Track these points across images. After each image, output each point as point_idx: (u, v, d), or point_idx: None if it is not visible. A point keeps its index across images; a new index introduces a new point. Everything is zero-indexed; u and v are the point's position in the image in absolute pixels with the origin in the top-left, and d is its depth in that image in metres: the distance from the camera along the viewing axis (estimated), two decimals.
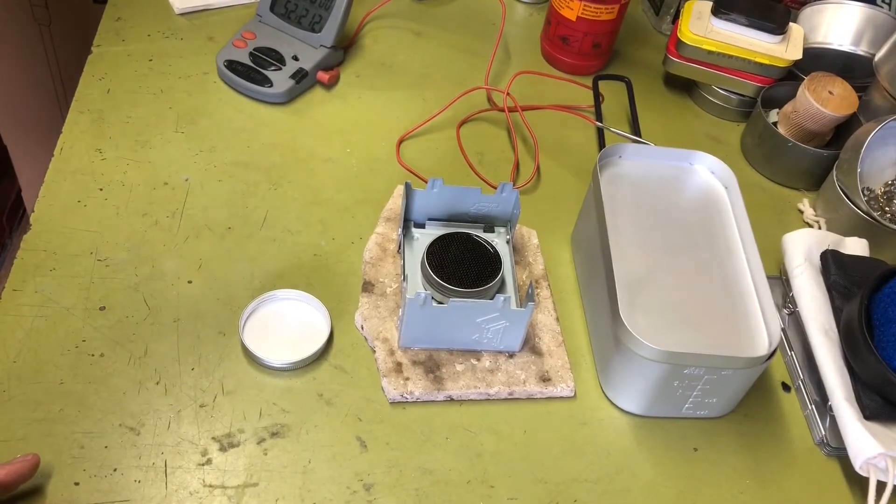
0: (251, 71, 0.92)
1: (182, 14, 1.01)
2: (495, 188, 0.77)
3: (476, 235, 0.73)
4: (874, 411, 0.69)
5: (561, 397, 0.72)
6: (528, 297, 0.69)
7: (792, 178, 0.95)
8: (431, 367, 0.70)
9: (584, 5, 0.96)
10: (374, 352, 0.71)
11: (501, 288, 0.74)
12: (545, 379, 0.71)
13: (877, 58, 0.93)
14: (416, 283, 0.73)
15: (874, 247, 0.82)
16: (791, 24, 0.98)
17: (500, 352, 0.72)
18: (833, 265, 0.78)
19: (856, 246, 0.82)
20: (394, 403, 0.69)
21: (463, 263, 0.71)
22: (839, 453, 0.71)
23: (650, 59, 1.08)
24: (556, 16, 1.00)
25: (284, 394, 0.68)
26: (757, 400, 0.74)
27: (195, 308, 0.72)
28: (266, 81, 0.91)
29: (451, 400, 0.70)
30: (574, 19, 0.98)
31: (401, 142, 0.91)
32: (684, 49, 0.98)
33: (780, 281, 0.83)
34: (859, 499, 0.69)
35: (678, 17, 1.02)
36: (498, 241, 0.77)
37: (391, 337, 0.72)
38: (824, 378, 0.72)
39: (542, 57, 1.05)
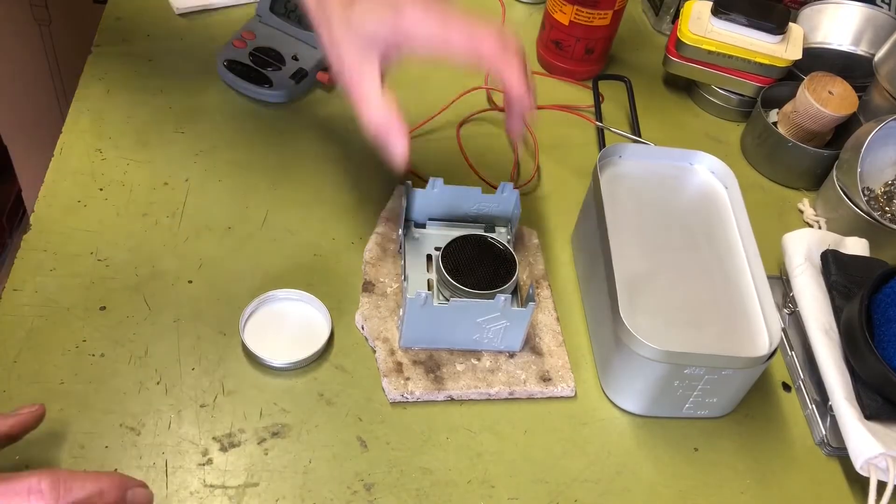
0: (251, 71, 0.92)
1: (182, 14, 1.01)
2: (495, 188, 0.77)
3: (492, 238, 0.73)
4: (875, 411, 0.69)
5: (561, 397, 0.72)
6: (528, 297, 0.69)
7: (792, 178, 0.95)
8: (432, 366, 0.70)
9: (577, 9, 0.96)
10: (375, 352, 0.71)
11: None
12: (546, 379, 0.71)
13: (877, 58, 0.93)
14: (418, 284, 0.73)
15: (874, 247, 0.82)
16: (791, 24, 0.98)
17: (500, 352, 0.72)
18: (833, 265, 0.78)
19: (856, 246, 0.82)
20: (394, 403, 0.69)
21: (479, 266, 0.71)
22: (840, 453, 0.71)
23: (650, 60, 1.08)
24: (549, 19, 1.00)
25: (285, 394, 0.68)
26: (757, 400, 0.74)
27: (195, 308, 0.72)
28: (266, 81, 0.91)
29: (451, 400, 0.70)
30: (567, 23, 0.98)
31: None
32: (684, 49, 0.98)
33: (780, 281, 0.83)
34: (860, 499, 0.69)
35: (678, 18, 1.02)
36: None
37: (391, 337, 0.72)
38: (824, 378, 0.72)
39: (538, 62, 1.05)
